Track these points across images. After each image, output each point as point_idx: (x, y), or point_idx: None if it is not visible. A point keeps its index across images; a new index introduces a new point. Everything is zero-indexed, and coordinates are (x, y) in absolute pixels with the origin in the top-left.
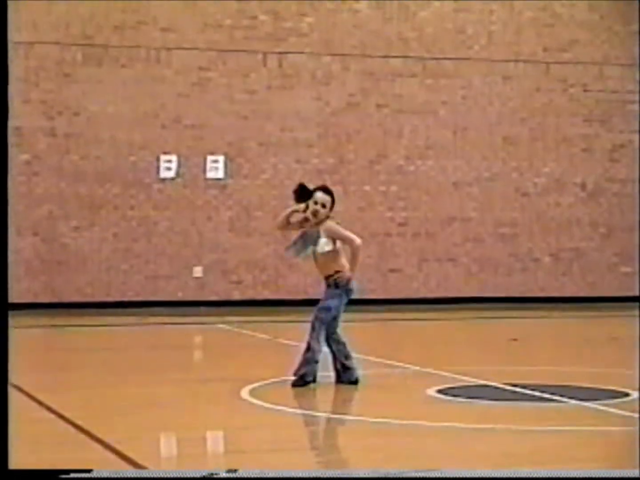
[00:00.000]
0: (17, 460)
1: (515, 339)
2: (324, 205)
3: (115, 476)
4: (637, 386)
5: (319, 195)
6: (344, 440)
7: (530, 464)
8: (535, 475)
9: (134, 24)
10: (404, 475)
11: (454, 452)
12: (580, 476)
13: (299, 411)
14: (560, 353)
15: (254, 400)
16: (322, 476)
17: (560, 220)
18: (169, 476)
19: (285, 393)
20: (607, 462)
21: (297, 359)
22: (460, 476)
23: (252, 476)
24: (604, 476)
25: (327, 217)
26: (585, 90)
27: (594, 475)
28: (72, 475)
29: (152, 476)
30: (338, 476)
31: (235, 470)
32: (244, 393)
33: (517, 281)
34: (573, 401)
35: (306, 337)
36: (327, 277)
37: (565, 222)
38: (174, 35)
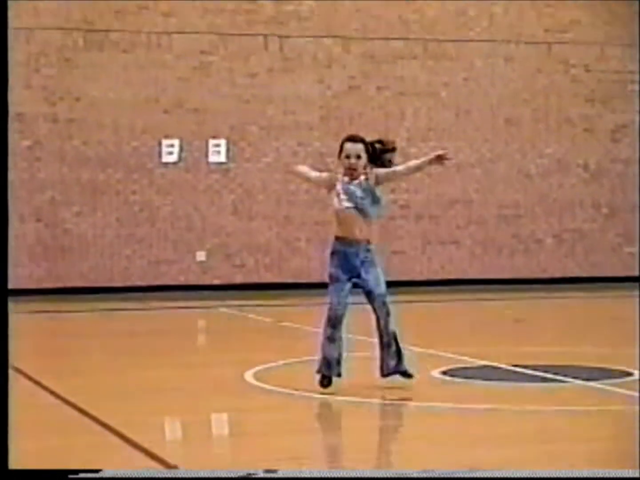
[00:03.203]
0: (23, 446)
1: (519, 320)
2: (358, 156)
3: (125, 476)
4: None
5: (348, 146)
6: (349, 422)
7: (534, 444)
8: (535, 476)
9: (134, 9)
10: (407, 475)
11: (459, 432)
12: (581, 476)
13: (303, 394)
14: (563, 333)
15: (258, 383)
16: (355, 476)
17: (562, 201)
18: (205, 476)
19: (289, 376)
20: (610, 441)
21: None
22: (462, 476)
23: (290, 476)
24: (604, 476)
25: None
26: (586, 71)
27: (594, 475)
28: (81, 475)
29: (185, 476)
30: (363, 476)
31: (275, 471)
32: (248, 376)
33: (520, 263)
34: (577, 381)
35: (389, 328)
36: (366, 242)
37: (568, 203)
38: (175, 19)
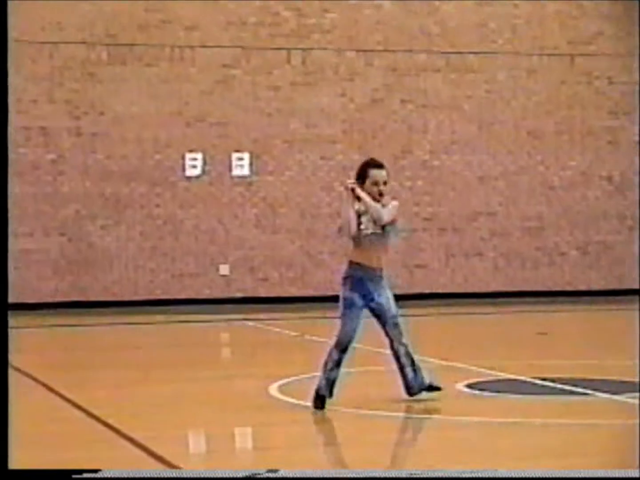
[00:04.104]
0: (46, 458)
1: (543, 333)
2: (385, 182)
3: (126, 476)
4: None
5: (376, 172)
6: (374, 436)
7: (559, 458)
8: (535, 475)
9: (158, 23)
10: (414, 476)
11: (484, 446)
12: (581, 476)
13: (328, 407)
14: (588, 346)
15: (283, 397)
16: (365, 476)
17: (587, 214)
18: (210, 476)
19: (314, 389)
20: (635, 455)
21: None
22: (464, 476)
23: (293, 476)
24: (604, 476)
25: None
26: (610, 83)
27: (594, 475)
28: (85, 475)
29: (188, 476)
30: (375, 476)
31: (276, 471)
32: (273, 390)
33: (544, 275)
34: (601, 394)
35: (404, 349)
36: (381, 270)
37: (592, 216)
38: (197, 33)
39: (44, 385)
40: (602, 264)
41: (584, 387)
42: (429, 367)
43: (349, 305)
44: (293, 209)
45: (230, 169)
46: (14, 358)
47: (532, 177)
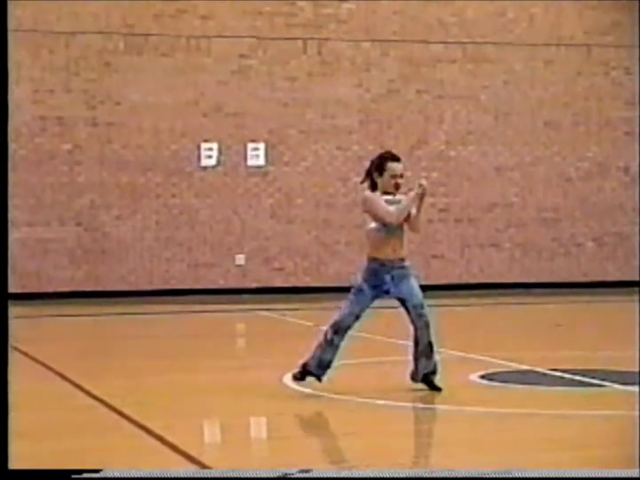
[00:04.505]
0: (61, 446)
1: (559, 324)
2: (402, 175)
3: (127, 476)
4: None
5: (394, 166)
6: (388, 426)
7: (574, 449)
8: (536, 475)
9: (173, 13)
10: (421, 475)
11: (497, 437)
12: (581, 476)
13: (342, 397)
14: (603, 338)
15: (297, 387)
16: (394, 476)
17: (603, 205)
18: (241, 476)
19: (328, 379)
20: None
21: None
22: (464, 476)
23: (326, 476)
24: (604, 476)
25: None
26: (627, 74)
27: (594, 475)
28: (85, 475)
29: (221, 476)
30: (409, 476)
31: (308, 470)
32: (287, 379)
33: (561, 266)
34: (617, 386)
35: (426, 339)
36: (400, 260)
37: (609, 207)
38: (213, 23)
39: (59, 374)
40: (619, 255)
41: (600, 379)
42: (443, 358)
43: (357, 292)
44: (309, 199)
45: (245, 159)
46: (29, 347)
47: (548, 168)
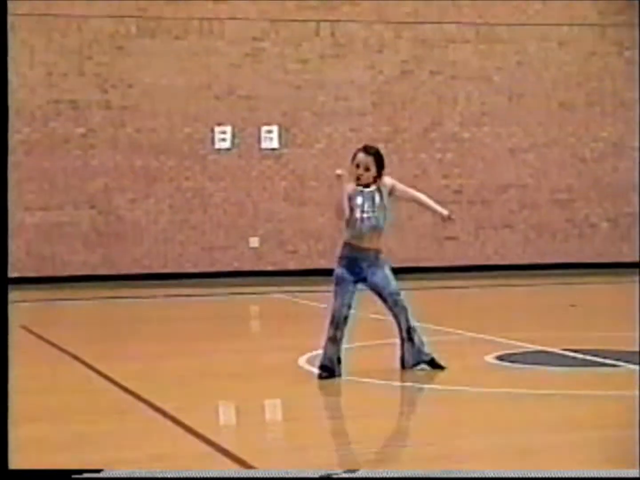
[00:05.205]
0: (78, 429)
1: (574, 305)
2: (367, 168)
3: (127, 476)
4: None
5: (360, 156)
6: (403, 408)
7: (588, 429)
8: (537, 475)
9: None
10: (421, 475)
11: (513, 417)
12: (581, 476)
13: (356, 379)
14: (618, 318)
15: (312, 369)
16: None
17: (617, 185)
18: (285, 476)
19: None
20: None
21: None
22: (468, 476)
23: (371, 476)
24: (604, 476)
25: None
26: None
27: (594, 476)
28: (85, 475)
29: (262, 476)
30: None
31: (354, 471)
32: (302, 361)
33: (575, 247)
34: (632, 365)
35: (407, 324)
36: (375, 250)
37: (623, 187)
38: (226, 6)
39: (74, 357)
40: (633, 235)
41: (614, 359)
42: (459, 339)
43: (340, 280)
44: (322, 182)
45: (259, 142)
46: (44, 331)
47: (562, 148)
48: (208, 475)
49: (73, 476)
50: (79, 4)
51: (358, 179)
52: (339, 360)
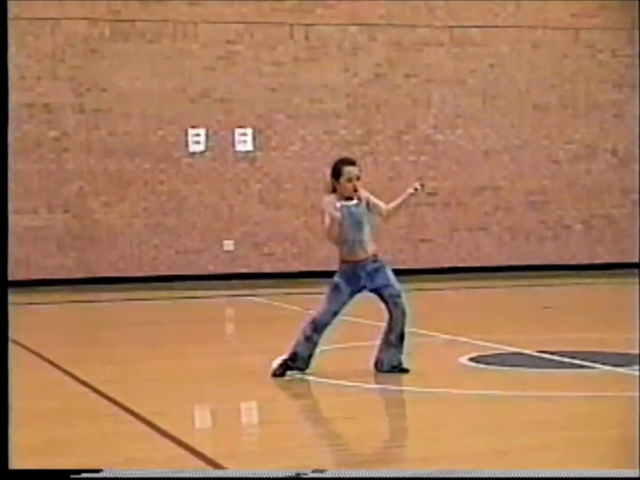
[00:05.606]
0: (53, 434)
1: (548, 307)
2: (358, 178)
3: (127, 476)
4: None
5: (350, 169)
6: (376, 410)
7: (562, 430)
8: (536, 475)
9: None
10: (421, 475)
11: (487, 419)
12: (581, 476)
13: (331, 381)
14: (592, 320)
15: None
16: (415, 476)
17: (591, 187)
18: (254, 476)
19: (317, 363)
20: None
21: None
22: (465, 476)
23: (340, 476)
24: (604, 476)
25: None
26: (614, 56)
27: (594, 476)
28: (83, 475)
29: (232, 476)
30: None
31: (322, 471)
32: (277, 365)
33: (549, 249)
34: (606, 367)
35: (400, 329)
36: (374, 255)
37: (597, 189)
38: (200, 9)
39: (49, 361)
40: (607, 237)
41: (588, 360)
42: (433, 341)
43: (335, 288)
44: (297, 184)
45: (233, 145)
46: (18, 335)
47: (536, 150)
48: (208, 475)
49: (72, 476)
50: (51, 7)
51: (355, 190)
52: (309, 356)
